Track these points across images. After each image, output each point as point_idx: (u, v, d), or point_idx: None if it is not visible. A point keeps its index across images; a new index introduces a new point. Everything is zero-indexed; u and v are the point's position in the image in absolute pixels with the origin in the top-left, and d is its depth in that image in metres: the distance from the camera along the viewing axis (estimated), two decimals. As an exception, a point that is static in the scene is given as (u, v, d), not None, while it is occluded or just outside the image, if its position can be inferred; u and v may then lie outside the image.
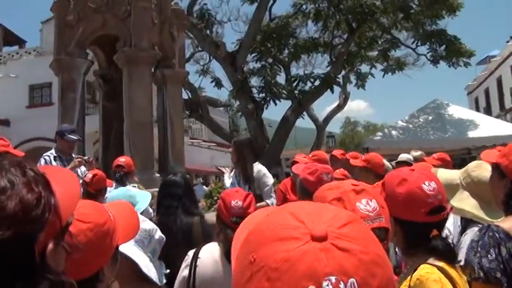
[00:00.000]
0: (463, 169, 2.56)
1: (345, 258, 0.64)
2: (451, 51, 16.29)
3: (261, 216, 0.79)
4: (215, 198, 6.73)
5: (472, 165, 2.55)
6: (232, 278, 0.72)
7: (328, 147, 30.93)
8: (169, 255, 3.13)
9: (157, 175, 8.13)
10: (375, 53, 18.73)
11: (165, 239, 2.26)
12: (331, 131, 29.92)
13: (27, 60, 25.56)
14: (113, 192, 3.35)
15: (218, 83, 18.30)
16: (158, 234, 2.20)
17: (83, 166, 5.18)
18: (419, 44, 17.36)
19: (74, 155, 5.46)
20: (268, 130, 18.09)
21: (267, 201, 4.87)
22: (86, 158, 5.19)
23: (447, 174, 2.58)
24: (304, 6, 17.64)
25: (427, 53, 17.49)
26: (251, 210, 2.56)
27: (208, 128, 21.38)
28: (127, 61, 8.20)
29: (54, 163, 5.15)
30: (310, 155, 5.28)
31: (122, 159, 5.24)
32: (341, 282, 0.62)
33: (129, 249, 1.91)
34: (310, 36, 18.40)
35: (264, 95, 16.10)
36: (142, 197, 3.31)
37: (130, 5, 8.36)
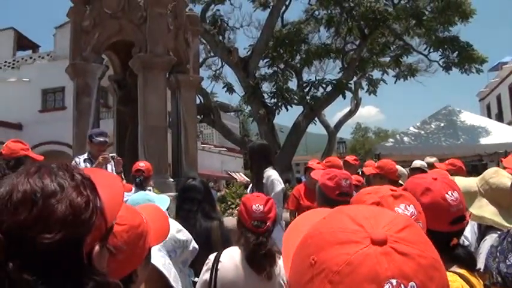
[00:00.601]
0: (481, 176, 2.56)
1: (405, 262, 0.66)
2: (464, 57, 16.22)
3: (313, 218, 0.81)
4: (229, 203, 6.75)
5: (489, 172, 2.55)
6: (289, 279, 0.74)
7: (339, 154, 30.91)
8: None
9: (171, 180, 8.18)
10: (387, 59, 18.72)
11: (198, 250, 2.28)
12: (341, 137, 29.82)
13: (41, 64, 25.79)
14: (133, 196, 3.37)
15: (230, 89, 18.33)
16: (192, 245, 2.23)
17: (110, 165, 5.19)
18: (431, 50, 17.32)
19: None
20: (279, 135, 18.09)
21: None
22: (112, 155, 5.19)
23: (465, 182, 2.58)
24: (316, 12, 17.70)
25: (440, 59, 17.43)
26: (272, 215, 2.59)
27: (220, 133, 21.43)
28: (142, 66, 8.26)
29: (82, 165, 5.18)
30: (324, 161, 5.28)
31: (141, 164, 5.28)
32: (402, 285, 0.64)
33: (160, 260, 1.93)
34: (322, 42, 18.44)
35: (275, 100, 16.09)
36: (160, 201, 3.34)
37: (146, 11, 8.43)
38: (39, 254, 0.85)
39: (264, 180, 4.92)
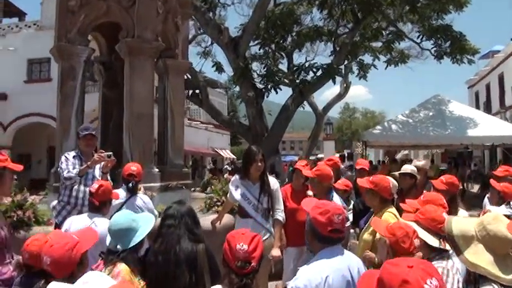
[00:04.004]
0: (479, 220, 2.46)
1: None
2: (456, 48, 16.11)
3: None
4: (214, 199, 6.63)
5: (488, 217, 2.45)
6: None
7: (326, 134, 30.97)
8: (169, 274, 3.08)
9: (156, 170, 8.04)
10: (379, 44, 18.53)
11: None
12: (329, 117, 29.77)
13: (27, 33, 25.20)
14: (117, 217, 3.25)
15: (219, 68, 18.08)
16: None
17: (98, 165, 5.04)
18: (424, 38, 17.15)
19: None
20: (268, 118, 17.96)
21: (279, 217, 4.92)
22: (108, 153, 5.02)
23: (462, 225, 2.49)
24: (309, -7, 17.35)
25: (432, 48, 17.29)
26: (257, 254, 2.49)
27: (208, 113, 21.22)
28: (129, 52, 8.02)
29: (71, 160, 5.03)
30: (314, 170, 5.16)
31: (133, 168, 5.12)
32: None
33: None
34: (314, 24, 18.16)
35: (265, 83, 15.88)
36: (145, 222, 3.24)
37: (135, -7, 8.15)
38: None
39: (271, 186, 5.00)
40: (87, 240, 2.73)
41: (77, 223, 4.02)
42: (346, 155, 33.26)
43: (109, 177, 5.05)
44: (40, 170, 23.20)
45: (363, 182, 4.14)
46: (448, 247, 2.80)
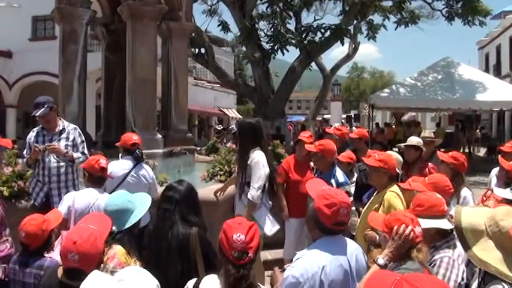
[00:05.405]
0: (491, 215, 2.31)
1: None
2: (468, 9, 15.65)
3: None
4: (217, 169, 6.57)
5: (501, 212, 2.32)
6: None
7: (333, 95, 30.70)
8: (161, 261, 3.07)
9: (159, 136, 7.98)
10: (389, 3, 18.03)
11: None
12: (337, 77, 29.40)
13: (31, -11, 24.60)
14: (112, 197, 3.22)
15: (225, 27, 17.72)
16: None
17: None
18: (435, -1, 16.68)
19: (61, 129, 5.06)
20: (274, 79, 17.74)
21: (248, 194, 4.70)
22: (41, 147, 4.77)
23: (472, 217, 2.37)
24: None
25: (443, 9, 16.81)
26: (254, 244, 2.43)
27: (213, 74, 20.98)
28: (131, 15, 7.81)
29: (33, 139, 4.94)
30: (317, 144, 5.07)
31: (134, 137, 5.05)
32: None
33: None
34: (323, -19, 17.67)
35: (272, 44, 15.59)
36: (141, 202, 3.21)
37: (137, -47, 7.87)
38: None
39: (249, 161, 4.76)
40: (104, 227, 2.70)
41: (80, 199, 3.99)
42: (353, 116, 33.05)
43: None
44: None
45: (370, 160, 4.03)
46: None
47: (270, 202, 5.01)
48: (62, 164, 4.89)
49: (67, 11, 8.13)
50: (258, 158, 4.73)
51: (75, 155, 4.96)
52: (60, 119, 5.17)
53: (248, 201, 4.73)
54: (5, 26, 23.16)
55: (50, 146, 4.80)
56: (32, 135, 5.01)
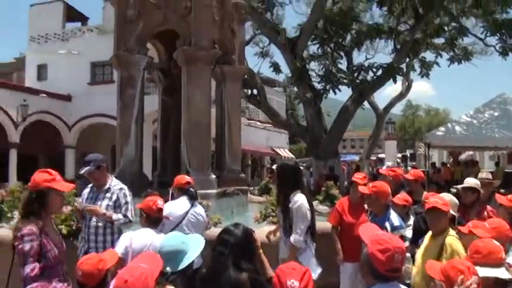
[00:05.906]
0: None
1: None
2: (522, 43, 15.20)
3: None
4: (269, 210, 6.55)
5: None
6: None
7: (388, 134, 30.22)
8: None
9: (213, 176, 8.07)
10: (441, 40, 17.79)
11: None
12: (391, 115, 28.99)
13: (90, 37, 26.12)
14: (167, 238, 3.26)
15: (277, 69, 17.96)
16: None
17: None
18: (488, 34, 16.27)
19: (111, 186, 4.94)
20: (326, 119, 17.70)
21: (291, 238, 4.67)
22: (81, 207, 4.81)
23: None
24: (369, -11, 16.91)
25: (496, 44, 16.39)
26: (308, 291, 2.38)
27: (265, 114, 21.18)
28: (186, 60, 8.09)
29: (85, 195, 4.95)
30: (371, 185, 4.97)
31: (187, 177, 5.22)
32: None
33: None
34: (374, 21, 17.69)
35: (323, 84, 15.64)
36: (195, 244, 3.22)
37: (191, 1, 8.21)
38: None
39: (291, 204, 4.72)
40: (156, 266, 2.74)
41: (137, 239, 4.06)
42: (408, 155, 32.29)
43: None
44: (104, 169, 24.09)
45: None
46: None
47: (314, 244, 4.92)
48: (100, 224, 4.75)
49: (125, 58, 8.52)
50: (300, 201, 4.70)
51: (115, 216, 4.73)
52: (109, 176, 5.03)
53: (291, 245, 4.68)
54: (65, 71, 24.58)
55: (88, 207, 4.74)
56: (86, 191, 5.02)
